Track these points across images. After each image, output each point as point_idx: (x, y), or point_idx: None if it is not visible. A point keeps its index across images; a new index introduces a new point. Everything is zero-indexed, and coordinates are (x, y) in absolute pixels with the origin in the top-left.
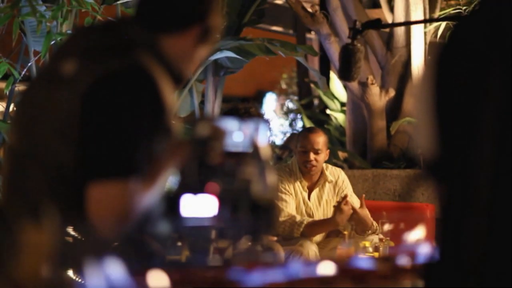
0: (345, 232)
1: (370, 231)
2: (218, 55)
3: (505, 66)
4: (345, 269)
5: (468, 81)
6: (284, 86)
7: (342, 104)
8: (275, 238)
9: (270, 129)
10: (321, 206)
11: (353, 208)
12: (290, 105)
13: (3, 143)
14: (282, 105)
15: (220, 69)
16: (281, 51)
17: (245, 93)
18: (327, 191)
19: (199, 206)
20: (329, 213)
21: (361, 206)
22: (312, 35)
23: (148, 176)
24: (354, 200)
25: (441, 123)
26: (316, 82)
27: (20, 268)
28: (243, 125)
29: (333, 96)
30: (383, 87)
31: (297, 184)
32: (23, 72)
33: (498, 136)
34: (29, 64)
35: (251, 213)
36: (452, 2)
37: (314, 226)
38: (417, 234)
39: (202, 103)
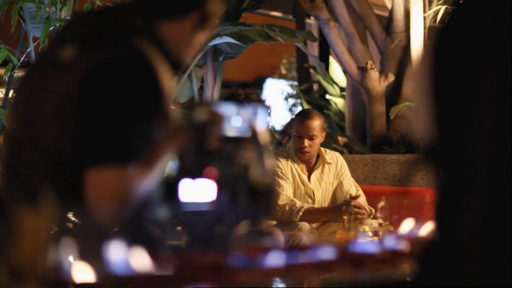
0: (344, 217)
1: (366, 216)
2: (217, 41)
3: (502, 51)
4: (344, 253)
5: (465, 66)
6: (283, 71)
7: (342, 89)
8: (274, 223)
9: (270, 115)
10: (321, 187)
11: (351, 198)
12: (290, 90)
13: (2, 129)
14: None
15: (219, 54)
16: (280, 37)
17: (245, 78)
18: (327, 173)
19: (198, 191)
20: (329, 194)
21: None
22: (311, 21)
23: (146, 161)
24: (352, 185)
25: (438, 107)
26: (315, 67)
27: (18, 254)
28: (241, 110)
29: (332, 81)
30: (383, 72)
31: (295, 167)
32: (22, 58)
33: (496, 121)
34: (28, 50)
35: (250, 198)
36: None
37: (314, 214)
38: (414, 221)
39: (201, 88)
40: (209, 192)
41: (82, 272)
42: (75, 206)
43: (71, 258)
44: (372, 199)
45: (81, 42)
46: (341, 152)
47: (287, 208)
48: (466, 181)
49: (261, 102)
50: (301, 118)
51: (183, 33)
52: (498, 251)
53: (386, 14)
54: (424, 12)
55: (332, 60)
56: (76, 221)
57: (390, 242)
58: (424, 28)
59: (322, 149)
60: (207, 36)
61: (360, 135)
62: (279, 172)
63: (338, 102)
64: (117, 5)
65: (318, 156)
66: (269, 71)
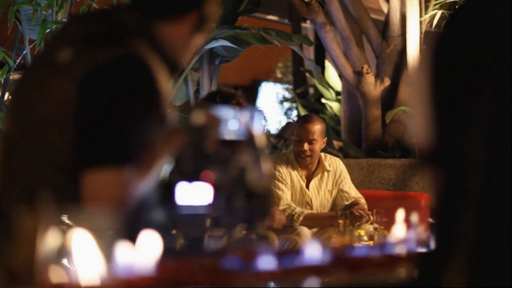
0: (340, 222)
1: (364, 221)
2: (214, 44)
3: (500, 55)
4: (340, 257)
5: (463, 70)
6: (279, 75)
7: (337, 93)
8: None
9: (264, 118)
10: (319, 195)
11: (354, 203)
12: (285, 93)
13: None
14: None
15: (216, 58)
16: (276, 40)
17: (240, 82)
18: (326, 181)
19: (194, 194)
20: (328, 202)
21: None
22: (307, 24)
23: (143, 164)
24: (352, 191)
25: (436, 111)
26: (311, 71)
27: (14, 256)
28: (238, 113)
29: (328, 85)
30: (378, 76)
31: (294, 173)
32: (18, 60)
33: (493, 125)
34: (24, 52)
35: (246, 202)
36: None
37: (314, 219)
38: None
39: (197, 91)
40: (205, 195)
41: (79, 274)
42: (73, 208)
43: (68, 260)
44: (367, 203)
45: (78, 44)
46: (336, 156)
47: (286, 213)
48: (463, 185)
49: (245, 104)
50: (302, 122)
51: (180, 35)
52: (495, 255)
53: (382, 18)
54: (420, 16)
55: (328, 64)
56: (72, 224)
57: (385, 246)
58: (420, 32)
59: (322, 154)
60: (203, 38)
61: (356, 139)
62: (278, 177)
63: (333, 106)
64: (113, 7)
65: (318, 162)
66: (265, 74)
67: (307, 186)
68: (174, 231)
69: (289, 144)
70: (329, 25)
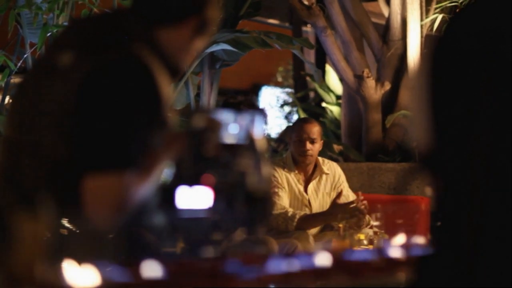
0: (340, 225)
1: (364, 225)
2: (214, 48)
3: (500, 60)
4: (340, 261)
5: (463, 74)
6: (280, 79)
7: (338, 97)
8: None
9: (266, 121)
10: (318, 198)
11: (352, 202)
12: (286, 97)
13: None
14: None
15: (216, 61)
16: (277, 44)
17: (241, 85)
18: (324, 184)
19: (195, 198)
20: (327, 205)
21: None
22: (308, 28)
23: (143, 168)
24: (351, 196)
25: (436, 116)
26: (312, 75)
27: (15, 260)
28: (238, 117)
29: (328, 89)
30: (379, 80)
31: (292, 177)
32: (19, 64)
33: (492, 128)
34: (25, 56)
35: (246, 205)
36: None
37: (309, 220)
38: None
39: (198, 95)
40: (206, 199)
41: (79, 277)
42: (72, 212)
43: (68, 264)
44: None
45: (79, 48)
46: (337, 160)
47: (280, 218)
48: (463, 190)
49: (256, 108)
50: (301, 123)
51: (181, 39)
52: (495, 259)
53: (383, 22)
54: (421, 20)
55: (329, 68)
56: (73, 227)
57: (386, 250)
58: (421, 36)
59: (320, 159)
60: (204, 42)
61: (356, 143)
62: (275, 182)
63: (334, 110)
64: (114, 11)
65: (315, 166)
66: (266, 78)
67: (305, 189)
68: (174, 235)
69: (288, 148)
70: (330, 29)
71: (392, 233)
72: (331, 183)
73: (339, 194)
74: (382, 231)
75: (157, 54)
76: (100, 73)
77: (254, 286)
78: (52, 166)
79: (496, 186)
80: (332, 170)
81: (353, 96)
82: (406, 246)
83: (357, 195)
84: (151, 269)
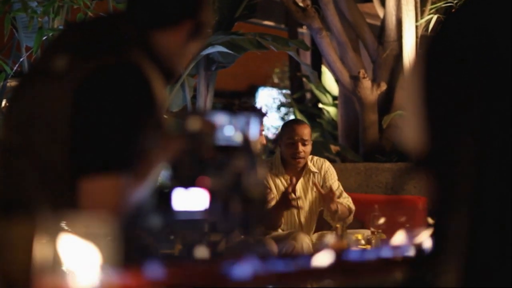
0: (338, 226)
1: (347, 218)
2: (210, 50)
3: (493, 60)
4: (336, 261)
5: (455, 74)
6: (276, 80)
7: (334, 98)
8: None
9: (264, 123)
10: (307, 198)
11: (319, 191)
12: (282, 99)
13: None
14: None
15: (212, 63)
16: (272, 46)
17: (237, 87)
18: (312, 182)
19: (191, 200)
20: (316, 202)
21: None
22: (303, 30)
23: (139, 170)
24: (336, 185)
25: (428, 116)
26: (308, 76)
27: (11, 263)
28: (234, 119)
29: (325, 90)
30: (375, 81)
31: (280, 178)
32: (15, 68)
33: (486, 129)
34: (21, 59)
35: (242, 207)
36: None
37: (273, 217)
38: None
39: (194, 97)
40: (202, 201)
41: (76, 280)
42: (69, 215)
43: (65, 267)
44: (365, 207)
45: (74, 52)
46: (334, 161)
47: None
48: (455, 189)
49: (256, 111)
50: (292, 125)
51: (175, 42)
52: (487, 258)
53: (378, 23)
54: (416, 21)
55: (325, 69)
56: (70, 230)
57: (383, 250)
58: (416, 37)
59: (309, 157)
60: (199, 45)
61: (353, 143)
62: None
63: (330, 111)
64: (109, 15)
65: (303, 166)
66: (262, 80)
67: (293, 190)
68: (171, 237)
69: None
70: (325, 30)
71: (389, 233)
72: (319, 180)
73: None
74: (380, 231)
75: (152, 58)
76: (95, 77)
77: (251, 287)
78: (48, 169)
79: (489, 185)
80: (319, 166)
81: (349, 97)
82: (403, 246)
83: (330, 190)
84: (148, 271)
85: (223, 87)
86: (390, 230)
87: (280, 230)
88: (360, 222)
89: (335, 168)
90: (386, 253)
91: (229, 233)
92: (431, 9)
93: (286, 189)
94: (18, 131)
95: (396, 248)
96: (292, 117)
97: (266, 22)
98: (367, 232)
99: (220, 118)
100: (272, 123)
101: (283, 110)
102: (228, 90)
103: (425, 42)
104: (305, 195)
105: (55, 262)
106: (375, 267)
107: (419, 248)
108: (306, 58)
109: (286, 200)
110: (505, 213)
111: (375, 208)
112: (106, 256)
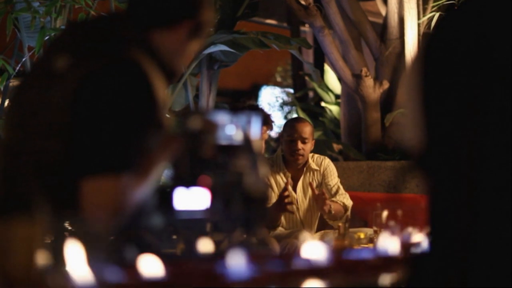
0: (340, 224)
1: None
2: (212, 49)
3: (491, 59)
4: (338, 260)
5: (453, 73)
6: (278, 79)
7: (337, 97)
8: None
9: (270, 122)
10: (307, 196)
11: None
12: (285, 97)
13: None
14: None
15: (214, 62)
16: (275, 44)
17: (240, 86)
18: (312, 180)
19: (192, 199)
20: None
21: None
22: (306, 28)
23: (141, 170)
24: (334, 182)
25: (426, 114)
26: (310, 74)
27: (12, 263)
28: (235, 118)
29: (327, 89)
30: (377, 79)
31: (280, 176)
32: (18, 68)
33: (483, 128)
34: (24, 59)
35: (244, 206)
36: None
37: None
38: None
39: (196, 97)
40: (203, 200)
41: (76, 279)
42: (70, 215)
43: (66, 266)
44: (367, 206)
45: (76, 51)
46: (337, 159)
47: None
48: (453, 188)
49: (261, 111)
50: (293, 123)
51: (177, 42)
52: (487, 258)
53: (380, 21)
54: (418, 19)
55: (327, 68)
56: (72, 230)
57: (385, 249)
58: (419, 34)
59: (310, 155)
60: (201, 44)
61: (356, 142)
62: None
63: (333, 109)
64: (111, 14)
65: (305, 164)
66: (265, 78)
67: (294, 188)
68: (173, 236)
69: (280, 146)
70: (328, 28)
71: (391, 231)
72: (319, 178)
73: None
74: (382, 230)
75: (153, 57)
76: (96, 76)
77: (254, 286)
78: (49, 169)
79: (486, 185)
80: (319, 164)
81: (352, 95)
82: (405, 245)
83: (321, 192)
84: (151, 270)
85: (225, 86)
86: (391, 229)
87: (282, 229)
88: (363, 220)
89: (338, 167)
90: (388, 251)
91: (231, 232)
92: (433, 6)
93: (282, 192)
94: (19, 131)
95: (398, 246)
96: (294, 115)
97: (268, 21)
98: (369, 231)
99: (222, 117)
100: (275, 121)
101: (286, 108)
102: (230, 89)
103: (423, 41)
104: (306, 194)
105: (55, 262)
106: (377, 265)
107: (418, 247)
108: (308, 56)
109: (282, 203)
110: (502, 212)
111: (377, 206)
112: (107, 256)
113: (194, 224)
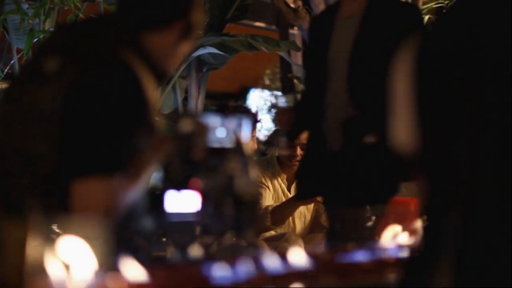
0: None
1: None
2: (201, 51)
3: (482, 60)
4: (329, 263)
5: (446, 74)
6: (267, 81)
7: None
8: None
9: (258, 125)
10: None
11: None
12: (274, 100)
13: None
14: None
15: (203, 65)
16: (264, 47)
17: (229, 89)
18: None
19: (183, 202)
20: (309, 206)
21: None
22: (295, 31)
23: (131, 172)
24: None
25: (421, 115)
26: (299, 77)
27: (3, 267)
28: (225, 121)
29: None
30: None
31: (276, 178)
32: (6, 70)
33: (477, 129)
34: (12, 61)
35: (235, 209)
36: None
37: (279, 210)
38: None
39: (185, 99)
40: (194, 203)
41: (68, 282)
42: (61, 218)
43: (58, 270)
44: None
45: (65, 54)
46: None
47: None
48: (449, 190)
49: (249, 113)
50: None
51: (166, 43)
52: (482, 260)
53: None
54: None
55: None
56: (62, 232)
57: (375, 251)
58: None
59: None
60: (190, 46)
61: None
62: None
63: None
64: (100, 16)
65: None
66: (253, 81)
67: (289, 189)
68: (164, 239)
69: (276, 149)
70: None
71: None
72: None
73: None
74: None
75: (143, 59)
76: (86, 78)
77: None
78: (39, 171)
79: (481, 186)
80: None
81: None
82: (396, 247)
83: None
84: (140, 273)
85: (214, 89)
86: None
87: (272, 232)
88: None
89: None
90: (379, 254)
91: (221, 235)
92: (423, 9)
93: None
94: (9, 133)
95: (389, 249)
96: None
97: (257, 23)
98: None
99: (212, 120)
100: (264, 124)
101: (274, 111)
102: (219, 92)
103: (416, 43)
104: None
105: (47, 264)
106: (368, 268)
107: (412, 249)
108: (297, 59)
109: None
110: (499, 214)
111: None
112: (98, 258)
113: (184, 227)
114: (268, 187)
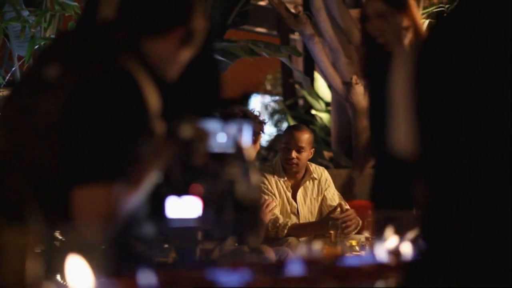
0: (331, 232)
1: (352, 231)
2: None
3: (480, 64)
4: (330, 267)
5: (445, 79)
6: (268, 87)
7: (327, 104)
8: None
9: (264, 130)
10: (306, 204)
11: (341, 209)
12: (275, 105)
13: None
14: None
15: None
16: (265, 52)
17: (230, 94)
18: (312, 189)
19: (184, 208)
20: (315, 211)
21: (342, 210)
22: (296, 36)
23: (132, 179)
24: (337, 198)
25: (420, 120)
26: (300, 82)
27: (3, 273)
28: (226, 126)
29: (317, 96)
30: None
31: (280, 183)
32: (7, 77)
33: (476, 133)
34: (13, 69)
35: (236, 214)
36: (435, 1)
37: (300, 229)
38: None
39: None
40: (195, 208)
41: None
42: (61, 224)
43: (57, 276)
44: (358, 213)
45: (67, 60)
46: (327, 167)
47: (270, 224)
48: (448, 193)
49: (252, 118)
50: (291, 130)
51: (167, 49)
52: (481, 263)
53: None
54: None
55: (317, 75)
56: (63, 239)
57: (377, 256)
58: None
59: (308, 163)
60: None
61: (346, 149)
62: (264, 188)
63: (323, 117)
64: (101, 23)
65: (305, 172)
66: (255, 87)
67: (294, 196)
68: (165, 245)
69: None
70: (318, 36)
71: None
72: (318, 187)
73: (335, 209)
74: (374, 237)
75: (144, 65)
76: (86, 85)
77: None
78: (40, 178)
79: (481, 188)
80: (319, 174)
81: (342, 103)
82: (397, 252)
83: (340, 206)
84: (143, 279)
85: None
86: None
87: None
88: None
89: (329, 174)
90: (380, 258)
91: (223, 241)
92: (422, 14)
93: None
94: (10, 140)
95: (390, 253)
96: (285, 124)
97: (258, 29)
98: (361, 238)
99: (213, 125)
100: (265, 130)
101: (276, 117)
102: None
103: (416, 47)
104: (304, 201)
105: (48, 271)
106: (369, 272)
107: (412, 252)
108: (298, 64)
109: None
110: (499, 217)
111: (369, 214)
112: (99, 265)
113: (186, 233)
114: (274, 195)
